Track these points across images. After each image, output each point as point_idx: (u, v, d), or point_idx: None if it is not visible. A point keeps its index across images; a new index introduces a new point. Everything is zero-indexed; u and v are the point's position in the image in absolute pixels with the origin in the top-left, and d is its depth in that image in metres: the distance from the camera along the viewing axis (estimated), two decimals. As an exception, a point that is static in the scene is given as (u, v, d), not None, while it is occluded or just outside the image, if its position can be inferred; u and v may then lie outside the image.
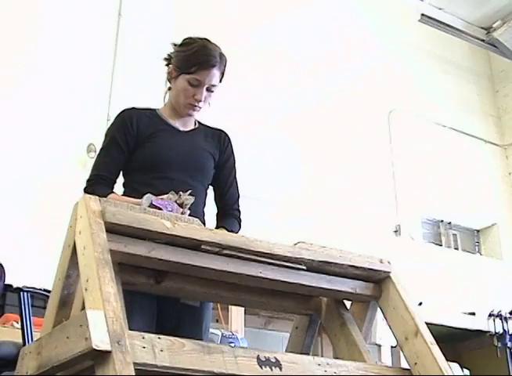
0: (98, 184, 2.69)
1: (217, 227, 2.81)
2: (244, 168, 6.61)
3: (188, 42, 2.85)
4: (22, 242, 5.21)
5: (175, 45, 2.90)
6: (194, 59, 2.77)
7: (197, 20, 6.85)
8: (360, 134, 7.79)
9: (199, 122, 3.01)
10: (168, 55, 2.92)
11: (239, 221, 2.92)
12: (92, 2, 6.46)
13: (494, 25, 9.23)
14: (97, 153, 2.89)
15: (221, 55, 2.84)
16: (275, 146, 6.99)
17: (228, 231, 2.68)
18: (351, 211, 7.24)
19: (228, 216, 2.92)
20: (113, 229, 1.99)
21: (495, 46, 9.32)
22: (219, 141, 2.96)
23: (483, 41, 9.33)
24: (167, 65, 2.92)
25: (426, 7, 8.93)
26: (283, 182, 6.86)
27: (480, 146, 8.89)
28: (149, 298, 2.55)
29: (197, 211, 2.60)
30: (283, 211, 6.64)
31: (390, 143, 8.03)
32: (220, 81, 2.87)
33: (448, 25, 9.06)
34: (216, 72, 2.80)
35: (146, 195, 2.40)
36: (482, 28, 9.36)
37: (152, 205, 2.31)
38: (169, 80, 2.91)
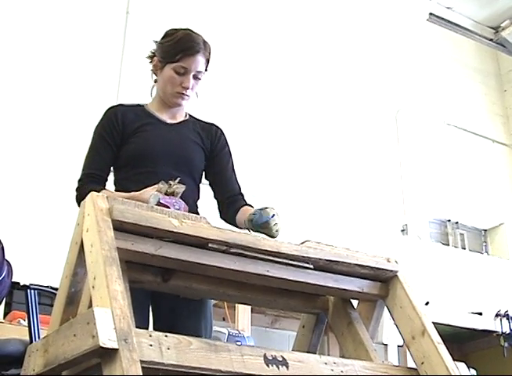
0: (88, 183, 2.69)
1: (237, 210, 2.77)
2: (252, 167, 6.63)
3: (170, 33, 2.86)
4: (29, 240, 5.21)
5: (156, 41, 2.92)
6: (178, 47, 2.78)
7: (204, 18, 6.85)
8: (368, 133, 7.78)
9: (190, 115, 3.00)
10: (151, 52, 2.94)
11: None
12: (100, 0, 6.47)
13: (502, 24, 9.22)
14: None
15: (205, 42, 2.84)
16: (282, 145, 6.99)
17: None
18: (358, 210, 7.24)
19: (240, 201, 2.85)
20: (120, 227, 1.99)
21: (503, 46, 9.31)
22: (210, 133, 2.94)
23: (491, 40, 9.32)
24: (150, 62, 2.93)
25: (434, 6, 8.92)
26: (290, 181, 6.85)
27: (488, 146, 8.86)
28: (141, 292, 2.54)
29: (187, 204, 2.55)
30: (290, 210, 6.63)
31: (397, 143, 8.01)
32: (206, 69, 2.86)
33: (456, 24, 9.04)
34: (201, 58, 2.80)
35: (154, 193, 2.40)
36: (490, 27, 9.34)
37: (159, 203, 2.32)
38: (154, 73, 2.92)
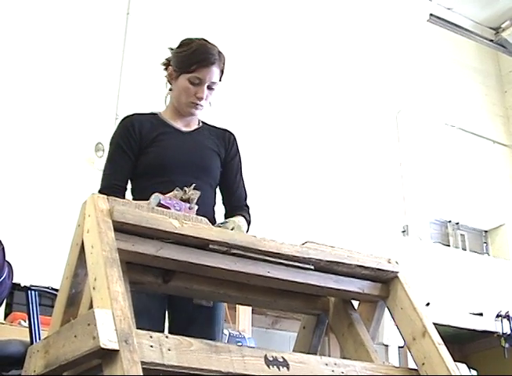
0: (109, 194, 2.70)
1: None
2: (253, 168, 6.62)
3: (186, 43, 2.89)
4: (30, 241, 5.21)
5: (172, 48, 2.95)
6: (194, 58, 2.81)
7: (205, 19, 6.86)
8: (368, 134, 7.78)
9: (203, 122, 3.03)
10: (166, 59, 2.97)
11: (249, 216, 2.89)
12: (101, 1, 6.47)
13: (503, 25, 9.22)
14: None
15: (220, 53, 2.89)
16: (282, 146, 6.98)
17: (246, 220, 2.77)
18: (359, 211, 7.23)
19: (242, 211, 2.90)
20: (121, 228, 1.99)
21: (503, 46, 9.31)
22: (224, 139, 2.98)
23: (491, 41, 9.32)
24: (165, 69, 2.96)
25: (434, 7, 8.92)
26: (290, 182, 6.85)
27: (488, 147, 8.86)
28: (158, 300, 2.57)
29: (206, 211, 2.56)
30: (291, 211, 6.64)
31: (398, 144, 8.01)
32: (220, 79, 2.90)
33: (456, 25, 9.04)
34: (216, 69, 2.84)
35: (154, 194, 2.40)
36: (491, 28, 9.35)
37: (160, 204, 2.31)
38: (169, 81, 2.94)
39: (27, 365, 2.07)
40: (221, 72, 2.89)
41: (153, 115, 2.95)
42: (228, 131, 3.03)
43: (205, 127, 3.00)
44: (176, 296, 2.61)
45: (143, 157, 2.81)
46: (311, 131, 7.31)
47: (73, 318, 1.99)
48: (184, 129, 2.93)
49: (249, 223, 2.86)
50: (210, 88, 2.85)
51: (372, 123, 7.89)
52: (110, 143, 2.89)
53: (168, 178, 2.72)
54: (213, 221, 2.71)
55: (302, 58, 7.59)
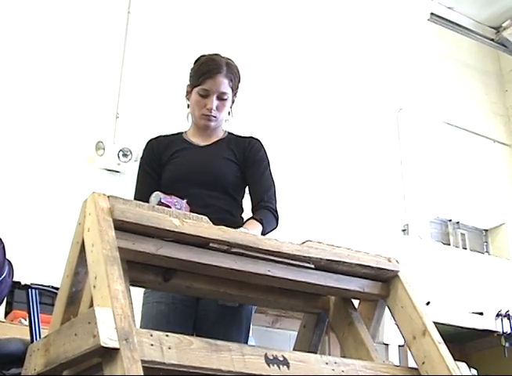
0: None
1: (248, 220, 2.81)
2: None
3: (197, 59, 2.97)
4: (30, 239, 5.22)
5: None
6: (200, 71, 2.89)
7: (205, 17, 6.86)
8: (369, 133, 7.78)
9: (229, 133, 3.06)
10: None
11: (274, 213, 2.86)
12: (101, 0, 6.47)
13: (503, 24, 9.21)
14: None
15: (228, 64, 2.92)
16: (282, 145, 6.97)
17: (257, 220, 2.73)
18: (359, 209, 7.23)
19: (260, 208, 2.87)
20: (121, 227, 1.99)
21: (504, 45, 9.30)
22: (243, 146, 2.99)
23: (492, 40, 9.31)
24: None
25: (435, 6, 8.91)
26: (291, 181, 6.84)
27: (489, 146, 8.86)
28: (185, 306, 2.67)
29: (219, 217, 2.53)
30: (292, 210, 6.63)
31: (398, 142, 8.01)
32: (234, 89, 2.94)
33: (457, 24, 9.04)
34: (223, 80, 2.87)
35: (155, 193, 2.41)
36: (492, 27, 9.34)
37: (160, 203, 2.32)
38: (188, 99, 2.99)
39: (28, 363, 2.07)
40: (232, 82, 2.91)
41: (177, 134, 3.03)
42: (250, 138, 3.04)
43: (228, 138, 3.02)
44: (201, 298, 2.68)
45: (163, 174, 2.90)
46: (312, 129, 7.32)
47: (74, 316, 2.00)
48: (202, 144, 2.96)
49: (276, 220, 2.83)
50: (221, 98, 2.89)
51: (373, 121, 7.89)
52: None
53: (183, 191, 2.72)
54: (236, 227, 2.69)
55: (303, 57, 7.58)
